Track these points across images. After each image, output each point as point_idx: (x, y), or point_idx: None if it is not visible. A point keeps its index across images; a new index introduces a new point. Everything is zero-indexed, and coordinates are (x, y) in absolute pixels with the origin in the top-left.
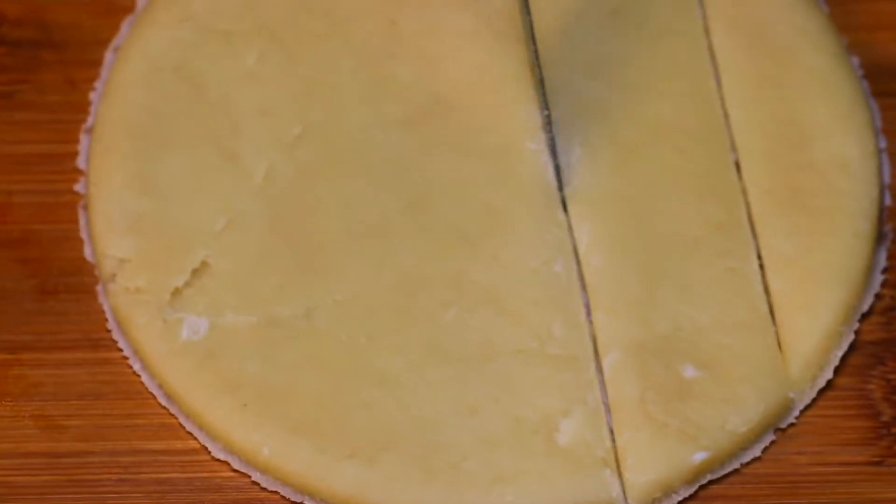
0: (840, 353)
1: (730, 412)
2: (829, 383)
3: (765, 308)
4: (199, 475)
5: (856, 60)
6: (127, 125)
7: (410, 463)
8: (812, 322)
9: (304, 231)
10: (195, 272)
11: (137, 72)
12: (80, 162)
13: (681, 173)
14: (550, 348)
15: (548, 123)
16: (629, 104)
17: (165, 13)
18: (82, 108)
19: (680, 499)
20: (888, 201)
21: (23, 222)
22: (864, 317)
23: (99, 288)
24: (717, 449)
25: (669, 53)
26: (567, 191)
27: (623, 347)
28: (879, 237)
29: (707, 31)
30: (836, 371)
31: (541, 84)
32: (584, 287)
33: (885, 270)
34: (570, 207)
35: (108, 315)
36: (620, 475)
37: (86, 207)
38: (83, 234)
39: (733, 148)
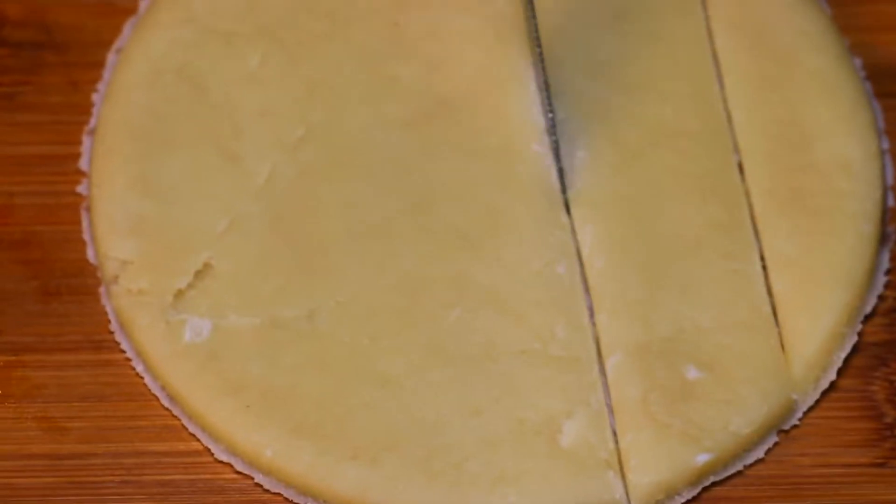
0: (843, 355)
1: (732, 413)
2: (832, 385)
3: (767, 309)
4: (202, 477)
5: (858, 62)
6: (129, 127)
7: (413, 464)
8: (815, 323)
9: (306, 232)
10: (198, 274)
11: (140, 73)
12: (83, 163)
13: (683, 175)
14: (553, 350)
15: (552, 126)
16: (632, 106)
17: (167, 15)
18: (84, 109)
19: (683, 500)
20: (891, 202)
21: (25, 224)
22: (867, 318)
23: (101, 290)
24: (720, 450)
25: (672, 55)
26: (570, 193)
27: (626, 349)
28: (882, 238)
29: (709, 33)
30: (839, 372)
31: (545, 87)
32: (587, 289)
33: (888, 272)
34: (572, 209)
35: (111, 317)
36: (623, 477)
37: (88, 209)
38: (86, 236)
39: (736, 149)
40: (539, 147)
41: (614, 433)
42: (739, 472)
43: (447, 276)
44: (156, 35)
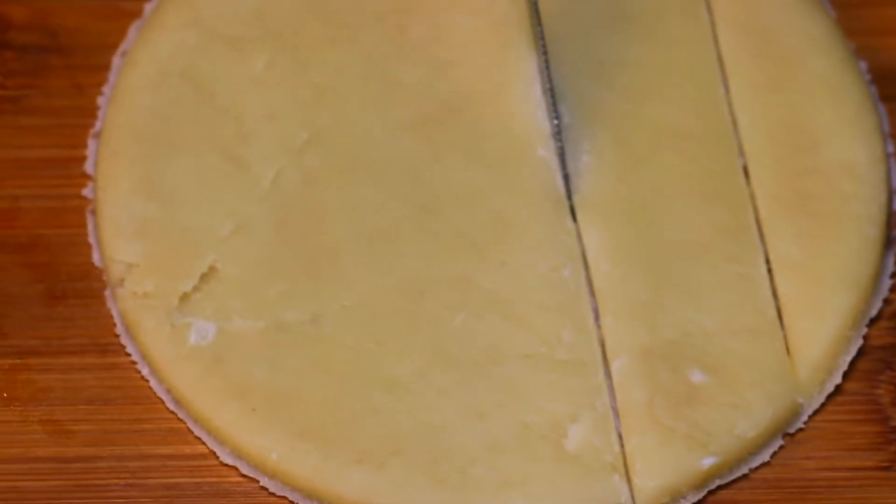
0: (848, 358)
1: (738, 417)
2: (838, 388)
3: (773, 313)
4: (208, 480)
5: (863, 65)
6: (135, 130)
7: (418, 468)
8: (820, 326)
9: (311, 236)
10: (203, 277)
11: (145, 76)
12: (88, 167)
13: (688, 178)
14: (559, 353)
15: (558, 132)
16: (637, 110)
17: (173, 18)
18: (90, 112)
19: None
20: None
21: (30, 227)
22: (873, 321)
23: (107, 293)
24: (726, 454)
25: (677, 59)
26: (575, 197)
27: (631, 352)
28: (888, 242)
29: (714, 36)
30: (845, 376)
31: (550, 92)
32: (592, 292)
33: (893, 275)
34: (578, 213)
35: (117, 320)
36: (629, 480)
37: (94, 212)
38: (91, 239)
39: (741, 152)
40: (544, 151)
41: (620, 437)
42: (745, 476)
43: (452, 280)
44: (161, 38)
